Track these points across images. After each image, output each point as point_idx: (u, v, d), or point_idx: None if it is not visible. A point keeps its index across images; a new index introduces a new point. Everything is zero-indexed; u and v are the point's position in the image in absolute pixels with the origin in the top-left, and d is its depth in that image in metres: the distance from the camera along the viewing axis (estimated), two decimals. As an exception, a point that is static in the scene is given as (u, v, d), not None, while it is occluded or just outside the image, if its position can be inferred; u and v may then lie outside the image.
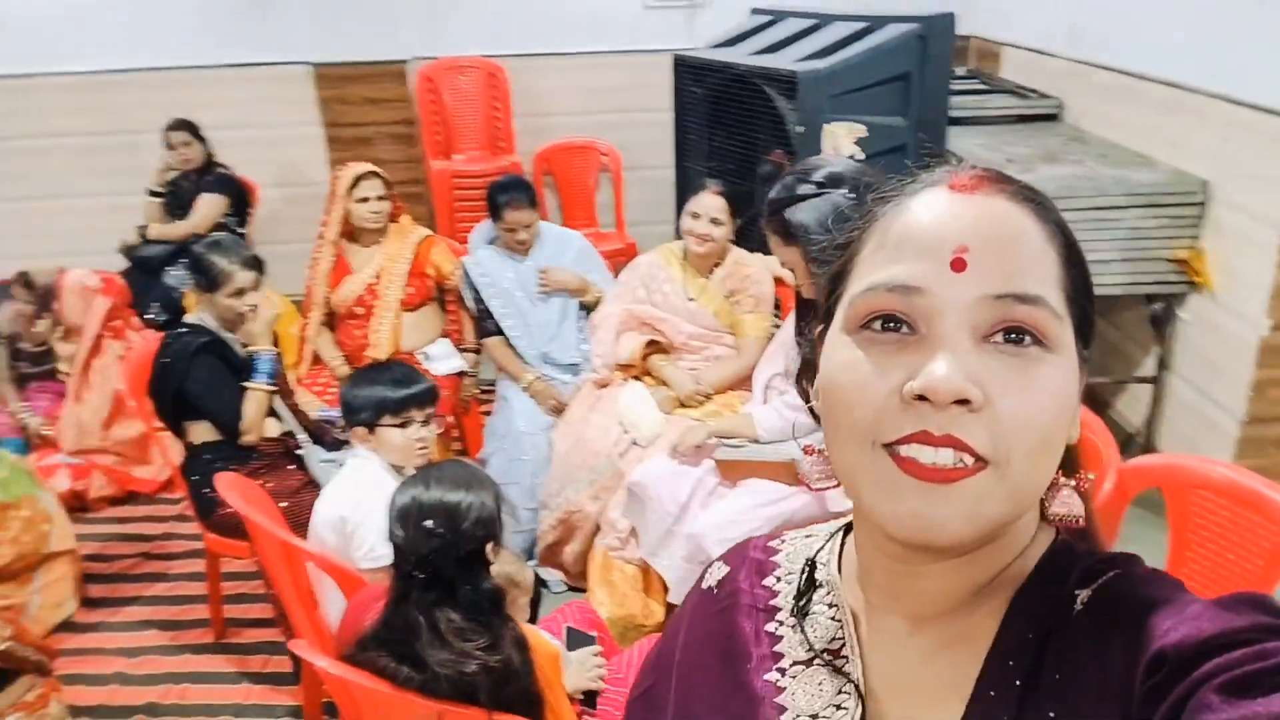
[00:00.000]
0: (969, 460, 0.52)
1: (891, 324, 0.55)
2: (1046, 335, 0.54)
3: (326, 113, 4.37)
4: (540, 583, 2.67)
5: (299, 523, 2.21)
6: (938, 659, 0.60)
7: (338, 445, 2.53)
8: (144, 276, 3.88)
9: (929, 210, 0.57)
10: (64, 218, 4.48)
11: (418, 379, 2.21)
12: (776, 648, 0.67)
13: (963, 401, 0.51)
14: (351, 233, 3.06)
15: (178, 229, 3.85)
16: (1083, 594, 0.56)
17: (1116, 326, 3.23)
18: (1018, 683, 0.55)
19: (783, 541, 0.74)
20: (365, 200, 2.97)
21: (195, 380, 2.40)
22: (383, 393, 2.13)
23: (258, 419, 2.47)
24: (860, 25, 3.18)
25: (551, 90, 4.45)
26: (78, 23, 4.22)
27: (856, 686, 0.61)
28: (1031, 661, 0.55)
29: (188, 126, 3.93)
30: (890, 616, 0.62)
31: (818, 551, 0.70)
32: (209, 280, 2.45)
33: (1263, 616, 0.49)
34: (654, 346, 2.76)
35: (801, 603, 0.67)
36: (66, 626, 2.72)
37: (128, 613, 2.79)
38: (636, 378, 2.75)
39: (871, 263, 0.58)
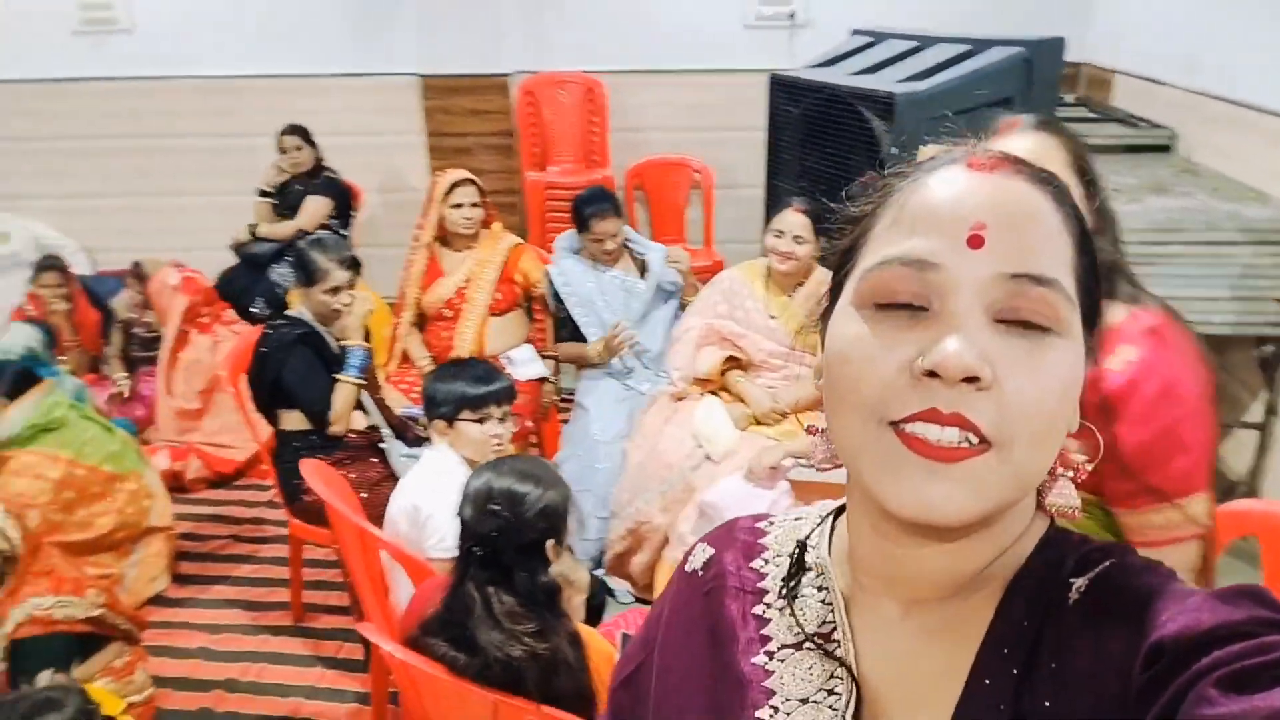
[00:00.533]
0: (974, 440, 0.52)
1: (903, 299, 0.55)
2: (1058, 318, 0.54)
3: (430, 122, 4.51)
4: (607, 591, 2.68)
5: (376, 514, 2.27)
6: (931, 645, 0.59)
7: (419, 442, 2.60)
8: (251, 272, 4.07)
9: (947, 187, 0.56)
10: (183, 214, 4.74)
11: (497, 377, 2.26)
12: (764, 631, 0.66)
13: (972, 379, 0.51)
14: (445, 237, 3.15)
15: (285, 228, 4.03)
16: (1079, 582, 0.56)
17: (1224, 369, 3.07)
18: (1014, 671, 0.54)
19: (771, 523, 0.73)
20: (459, 206, 3.06)
21: (290, 370, 2.51)
22: (463, 388, 2.19)
23: (345, 411, 2.56)
24: (963, 48, 3.13)
25: (648, 106, 4.50)
26: (205, 30, 4.48)
27: (850, 670, 0.60)
28: (1027, 649, 0.55)
29: (300, 132, 4.12)
30: (883, 601, 0.61)
31: (808, 534, 0.69)
32: (308, 275, 2.56)
33: (1261, 610, 0.48)
34: (733, 362, 2.75)
35: (791, 585, 0.66)
36: (158, 600, 2.86)
37: (215, 591, 2.92)
38: (713, 393, 2.75)
39: (886, 237, 0.57)
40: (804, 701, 0.61)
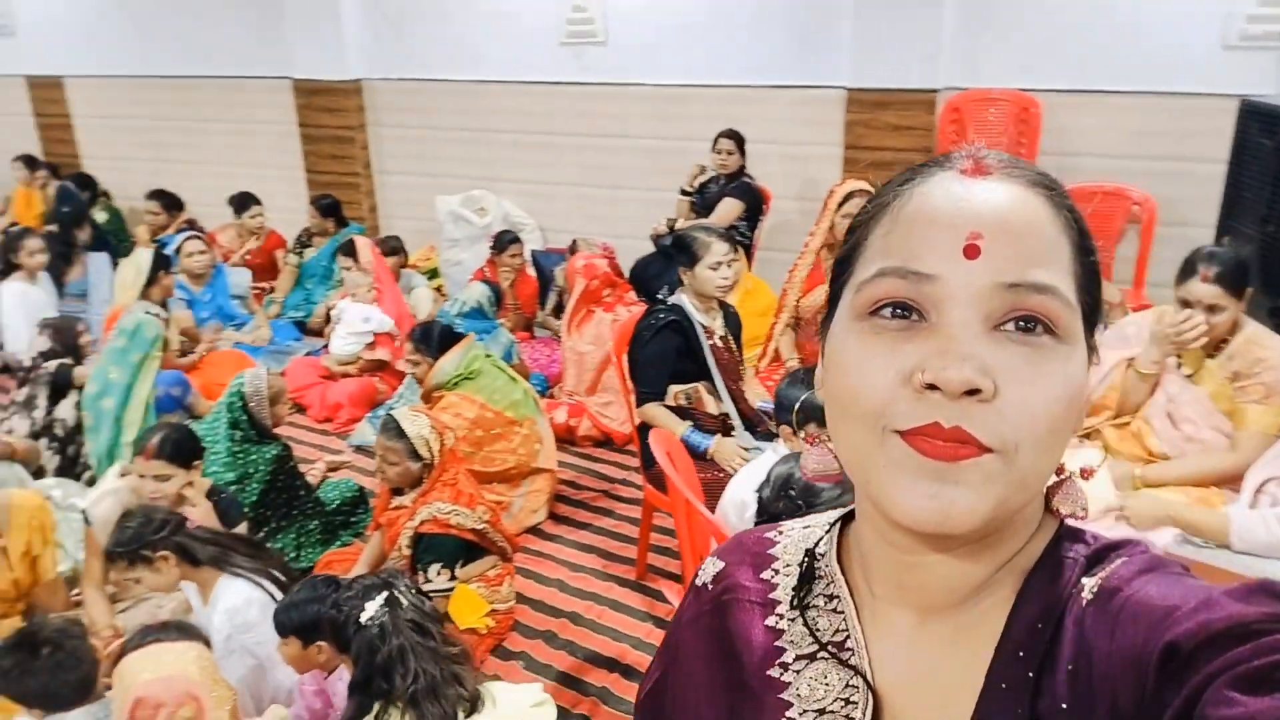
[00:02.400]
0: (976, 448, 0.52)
1: (901, 310, 0.54)
2: (1058, 325, 0.53)
3: (849, 135, 4.56)
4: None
5: (713, 494, 2.40)
6: (946, 652, 0.59)
7: (769, 436, 2.69)
8: (662, 261, 4.46)
9: (942, 195, 0.55)
10: (621, 204, 5.33)
11: (848, 393, 2.25)
12: (778, 642, 0.65)
13: (973, 390, 0.51)
14: (834, 245, 3.20)
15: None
16: (1090, 582, 0.55)
17: None
18: (1029, 674, 0.54)
19: (780, 533, 0.72)
20: (851, 216, 3.08)
21: (644, 351, 2.74)
22: (814, 399, 2.23)
23: (649, 418, 2.71)
24: None
25: (1087, 129, 4.12)
26: (665, 43, 4.98)
27: (865, 679, 0.60)
28: (1043, 652, 0.54)
29: (735, 136, 4.43)
30: (895, 609, 0.61)
31: (817, 543, 0.68)
32: (690, 254, 2.75)
33: (1275, 607, 0.47)
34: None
35: (802, 595, 0.65)
36: (533, 531, 3.30)
37: (580, 535, 3.29)
38: (1085, 435, 2.48)
39: (881, 247, 0.56)
40: (821, 712, 0.61)
